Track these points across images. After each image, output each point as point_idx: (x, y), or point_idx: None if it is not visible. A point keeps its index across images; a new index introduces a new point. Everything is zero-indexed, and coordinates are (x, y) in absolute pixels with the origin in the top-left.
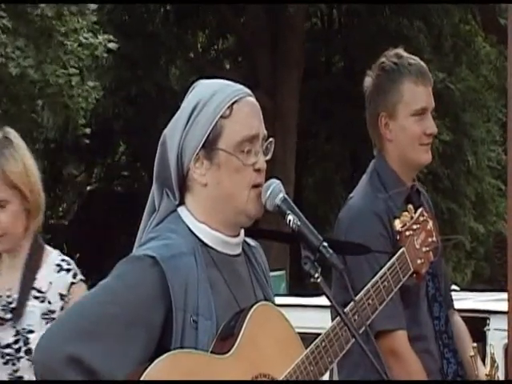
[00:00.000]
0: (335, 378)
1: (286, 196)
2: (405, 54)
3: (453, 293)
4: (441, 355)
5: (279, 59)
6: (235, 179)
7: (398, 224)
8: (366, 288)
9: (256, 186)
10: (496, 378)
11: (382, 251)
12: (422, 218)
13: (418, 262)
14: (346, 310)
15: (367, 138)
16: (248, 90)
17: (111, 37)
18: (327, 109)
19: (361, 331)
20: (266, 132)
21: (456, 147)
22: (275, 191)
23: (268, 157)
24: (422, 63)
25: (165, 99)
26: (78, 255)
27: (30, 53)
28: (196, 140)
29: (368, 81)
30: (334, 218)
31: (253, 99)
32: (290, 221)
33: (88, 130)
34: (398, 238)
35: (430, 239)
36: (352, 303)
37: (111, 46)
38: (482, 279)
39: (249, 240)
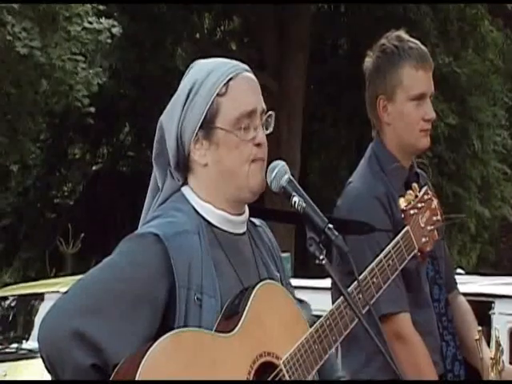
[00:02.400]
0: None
1: (291, 177)
2: (406, 37)
3: (458, 276)
4: (440, 337)
5: (285, 41)
6: (235, 156)
7: (402, 202)
8: (370, 267)
9: (256, 160)
10: (501, 362)
11: (385, 229)
12: (426, 197)
13: (423, 240)
14: (349, 289)
15: None
16: (244, 66)
17: (115, 22)
18: (333, 92)
19: (364, 311)
20: (264, 106)
21: (462, 131)
22: (281, 172)
23: (268, 131)
24: (423, 47)
25: (170, 80)
26: (82, 234)
27: (35, 35)
28: (194, 121)
29: (368, 61)
30: None
31: (249, 74)
32: (295, 202)
33: (92, 109)
34: (402, 216)
35: (434, 218)
36: (354, 284)
37: (115, 31)
38: (487, 263)
39: (254, 219)
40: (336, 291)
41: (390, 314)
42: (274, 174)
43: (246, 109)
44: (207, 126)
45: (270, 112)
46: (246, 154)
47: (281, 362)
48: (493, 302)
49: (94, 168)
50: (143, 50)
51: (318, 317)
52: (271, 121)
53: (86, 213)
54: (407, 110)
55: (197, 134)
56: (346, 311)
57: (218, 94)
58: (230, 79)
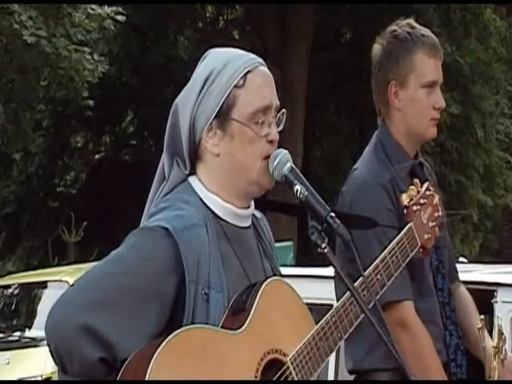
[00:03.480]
0: (341, 350)
1: (293, 166)
2: (417, 25)
3: (461, 265)
4: (443, 326)
5: (288, 30)
6: (248, 150)
7: (405, 199)
8: (374, 263)
9: (268, 157)
10: (503, 351)
11: (388, 225)
12: (428, 193)
13: (425, 237)
14: (355, 284)
15: (375, 111)
16: (260, 60)
17: (120, 9)
18: (335, 81)
19: (370, 306)
20: (278, 102)
21: (464, 120)
22: (283, 161)
23: (280, 127)
24: (434, 36)
25: (173, 69)
26: (85, 223)
27: (41, 24)
28: (209, 110)
29: (377, 48)
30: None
31: (266, 69)
32: (297, 190)
33: (91, 102)
34: (405, 212)
35: (436, 214)
36: (361, 278)
37: (119, 18)
38: (489, 252)
39: (255, 212)
40: (339, 280)
41: (394, 302)
42: (276, 162)
43: (262, 104)
44: (223, 116)
45: (283, 110)
46: (259, 150)
47: (288, 359)
48: (495, 291)
49: (96, 157)
50: (145, 38)
51: (322, 305)
52: (283, 118)
53: (89, 201)
54: (419, 97)
55: (211, 123)
56: (350, 308)
57: (235, 86)
58: (248, 72)
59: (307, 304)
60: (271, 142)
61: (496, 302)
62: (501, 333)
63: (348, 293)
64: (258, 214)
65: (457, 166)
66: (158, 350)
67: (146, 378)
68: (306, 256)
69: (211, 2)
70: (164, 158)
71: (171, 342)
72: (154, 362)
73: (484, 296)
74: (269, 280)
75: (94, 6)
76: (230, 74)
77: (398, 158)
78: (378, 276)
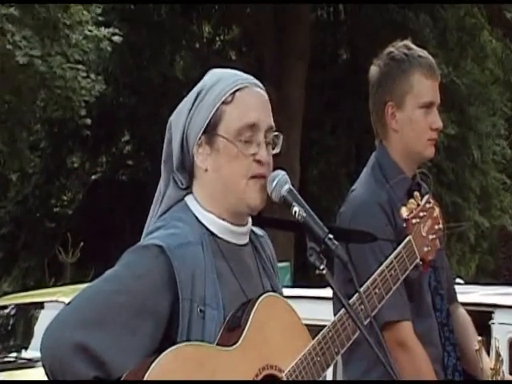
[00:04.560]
0: (339, 370)
1: (291, 187)
2: (414, 47)
3: (457, 286)
4: (442, 347)
5: (285, 50)
6: (233, 167)
7: (404, 212)
8: (372, 277)
9: (256, 176)
10: (501, 372)
11: (387, 239)
12: (428, 205)
13: (425, 249)
14: (351, 300)
15: (372, 129)
16: (256, 81)
17: (116, 30)
18: (332, 100)
19: (366, 322)
20: (272, 124)
21: (461, 141)
22: (281, 182)
23: (276, 150)
24: (431, 57)
25: (169, 88)
26: (82, 244)
27: (35, 44)
28: (198, 125)
29: (374, 69)
30: (338, 210)
31: (259, 90)
32: (295, 212)
33: (89, 121)
34: (404, 225)
35: (436, 226)
36: (356, 295)
37: (116, 39)
38: (486, 273)
39: (256, 229)
40: (337, 301)
41: (393, 322)
42: (274, 183)
43: (248, 121)
44: (210, 131)
45: (277, 133)
46: (244, 169)
47: (283, 374)
48: (493, 312)
49: (93, 177)
50: (142, 57)
51: (319, 327)
52: (278, 141)
53: (86, 222)
54: (416, 118)
55: (200, 138)
56: (348, 322)
57: (223, 102)
58: (238, 90)
59: (305, 325)
60: (259, 161)
61: (493, 323)
62: (498, 354)
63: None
64: (260, 232)
65: (453, 186)
66: (150, 369)
67: None
68: (303, 276)
69: (208, 21)
70: (162, 177)
71: (164, 359)
72: (147, 379)
73: (481, 318)
74: (264, 295)
75: (91, 28)
76: (219, 91)
77: (395, 178)
78: (376, 290)
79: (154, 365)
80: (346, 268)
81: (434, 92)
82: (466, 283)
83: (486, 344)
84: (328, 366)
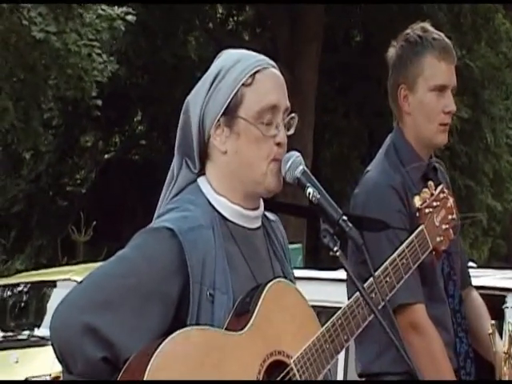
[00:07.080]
0: (351, 353)
1: (305, 168)
2: (430, 29)
3: (470, 270)
4: (454, 333)
5: (298, 32)
6: (254, 149)
7: (417, 201)
8: (383, 266)
9: (276, 159)
10: None
11: (400, 227)
12: (442, 195)
13: (438, 239)
14: (366, 284)
15: (384, 113)
16: (272, 62)
17: (130, 9)
18: (345, 83)
19: (379, 308)
20: (289, 105)
21: (474, 124)
22: (295, 163)
23: (290, 132)
24: (447, 40)
25: (182, 69)
26: (94, 223)
27: (50, 21)
28: (217, 107)
29: (392, 51)
30: (351, 192)
31: (276, 71)
32: (309, 193)
33: (99, 102)
34: (417, 215)
35: (450, 216)
36: (370, 281)
37: (129, 18)
38: (498, 257)
39: (268, 214)
40: (351, 283)
41: (406, 305)
42: (288, 164)
43: (269, 103)
44: (230, 114)
45: (293, 114)
46: (265, 151)
47: (291, 360)
48: (505, 296)
49: (105, 156)
50: (155, 38)
51: (330, 308)
52: (293, 122)
53: (98, 201)
54: (427, 100)
55: (219, 120)
56: (358, 310)
57: (243, 84)
58: (257, 71)
59: (316, 307)
60: (278, 144)
61: (507, 307)
62: (511, 338)
63: (355, 295)
64: (273, 217)
65: (466, 170)
66: (157, 352)
67: (145, 379)
68: (315, 258)
69: (221, 2)
70: (174, 159)
71: (170, 343)
72: (153, 363)
73: (494, 301)
74: (273, 281)
75: (104, 7)
76: (238, 72)
77: (410, 161)
78: (387, 278)
79: (159, 349)
80: (359, 250)
81: (448, 74)
82: (479, 267)
83: (499, 328)
84: (337, 353)
